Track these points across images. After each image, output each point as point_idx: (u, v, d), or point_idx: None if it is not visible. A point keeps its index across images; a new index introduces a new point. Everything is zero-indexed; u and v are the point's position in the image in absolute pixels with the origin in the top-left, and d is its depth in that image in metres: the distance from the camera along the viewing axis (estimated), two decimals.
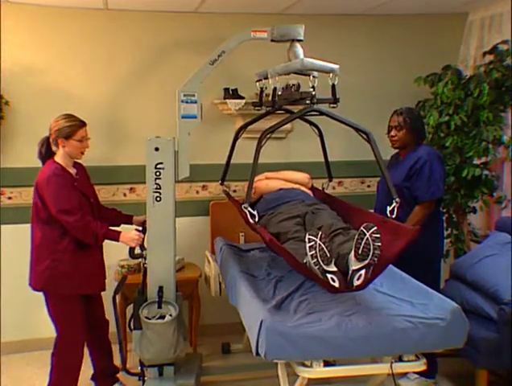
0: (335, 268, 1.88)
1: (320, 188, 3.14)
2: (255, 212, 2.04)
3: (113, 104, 3.27)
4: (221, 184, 3.01)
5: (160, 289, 2.41)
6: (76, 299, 2.45)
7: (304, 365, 1.84)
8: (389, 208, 2.07)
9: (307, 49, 3.47)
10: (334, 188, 3.67)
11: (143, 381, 2.53)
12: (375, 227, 1.90)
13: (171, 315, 2.35)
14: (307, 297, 2.14)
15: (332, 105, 2.38)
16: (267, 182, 2.99)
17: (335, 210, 2.59)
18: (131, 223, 2.63)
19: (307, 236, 1.90)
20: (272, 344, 1.77)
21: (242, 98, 3.30)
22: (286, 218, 2.43)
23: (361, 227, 1.91)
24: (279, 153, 3.58)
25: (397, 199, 2.07)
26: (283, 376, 2.16)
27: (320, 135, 2.79)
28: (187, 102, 2.42)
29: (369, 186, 3.72)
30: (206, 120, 3.41)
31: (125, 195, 3.35)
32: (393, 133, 2.75)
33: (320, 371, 1.82)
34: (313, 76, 2.31)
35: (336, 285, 1.85)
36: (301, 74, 2.46)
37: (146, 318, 2.34)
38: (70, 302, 2.43)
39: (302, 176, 3.11)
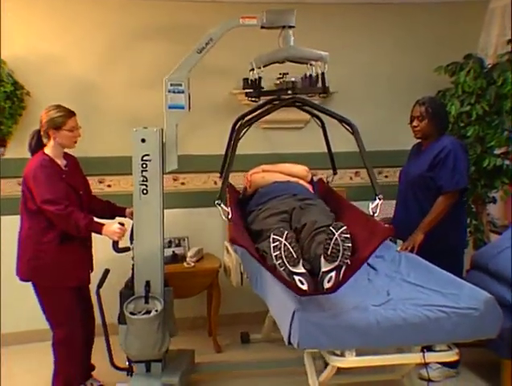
0: (303, 270, 1.80)
1: (328, 181, 3.07)
2: (228, 209, 1.95)
3: (131, 92, 3.24)
4: (221, 177, 2.89)
5: (147, 283, 2.37)
6: (64, 291, 2.40)
7: (335, 354, 1.84)
8: (371, 205, 1.96)
9: (324, 38, 3.47)
10: (351, 179, 3.67)
11: (132, 376, 2.49)
12: (344, 227, 1.82)
13: (156, 311, 2.31)
14: None
15: (322, 95, 2.33)
16: (263, 175, 2.85)
17: (332, 205, 2.47)
18: (125, 216, 2.58)
19: (272, 236, 1.83)
20: (305, 334, 1.76)
21: (262, 88, 3.27)
22: (271, 214, 2.32)
23: (330, 227, 1.84)
24: (297, 143, 3.56)
25: (380, 196, 1.96)
26: (310, 366, 2.18)
27: (323, 127, 2.68)
28: (174, 92, 2.33)
29: (386, 176, 3.70)
30: (224, 110, 3.41)
31: None
32: (415, 123, 2.73)
33: (352, 360, 1.82)
34: (310, 64, 2.25)
35: (305, 287, 1.78)
36: (298, 62, 2.36)
37: (131, 313, 2.30)
38: (59, 294, 2.40)
39: (300, 169, 2.96)
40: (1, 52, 2.94)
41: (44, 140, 2.41)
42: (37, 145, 2.42)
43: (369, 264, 2.43)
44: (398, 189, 2.87)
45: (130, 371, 2.46)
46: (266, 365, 2.86)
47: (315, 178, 3.17)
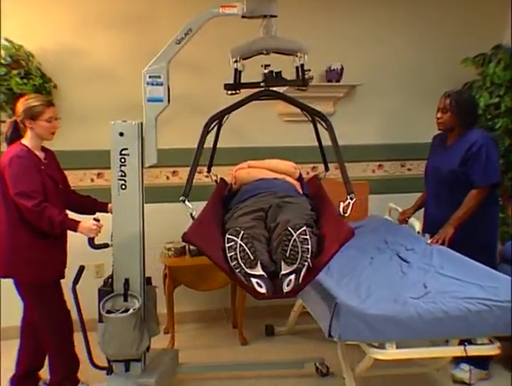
0: (260, 272, 1.73)
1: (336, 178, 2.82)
2: (191, 205, 1.84)
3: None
4: (208, 172, 2.75)
5: (126, 281, 2.28)
6: (45, 286, 2.33)
7: (374, 347, 1.84)
8: (342, 204, 1.84)
9: (347, 30, 3.44)
10: (374, 171, 3.65)
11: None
12: (303, 228, 1.75)
13: (134, 309, 2.23)
14: (364, 279, 2.13)
15: (301, 88, 2.21)
16: (249, 171, 2.70)
17: (320, 204, 2.37)
18: (106, 211, 2.48)
19: (226, 236, 1.76)
20: (347, 326, 1.77)
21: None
22: (246, 212, 2.19)
23: (288, 227, 1.76)
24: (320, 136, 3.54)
25: (351, 196, 1.83)
26: (344, 358, 2.19)
27: (313, 122, 2.54)
28: (152, 84, 2.23)
29: (409, 169, 3.68)
30: (250, 103, 3.39)
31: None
32: (438, 115, 2.68)
33: (393, 352, 1.81)
34: (299, 56, 2.15)
35: (263, 290, 1.70)
36: (280, 53, 2.24)
37: (109, 311, 2.22)
38: (39, 290, 2.32)
39: (287, 165, 2.78)
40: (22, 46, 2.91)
41: (22, 131, 2.31)
42: (14, 136, 2.32)
43: (400, 257, 2.43)
44: (427, 184, 2.82)
45: (109, 370, 2.36)
46: (253, 367, 2.80)
47: (310, 176, 3.04)
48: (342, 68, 3.36)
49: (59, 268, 2.41)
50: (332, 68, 3.36)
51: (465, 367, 2.59)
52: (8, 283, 2.40)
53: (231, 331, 3.30)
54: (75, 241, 2.42)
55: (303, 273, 1.72)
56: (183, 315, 3.27)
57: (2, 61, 2.83)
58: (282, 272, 1.73)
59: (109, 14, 3.12)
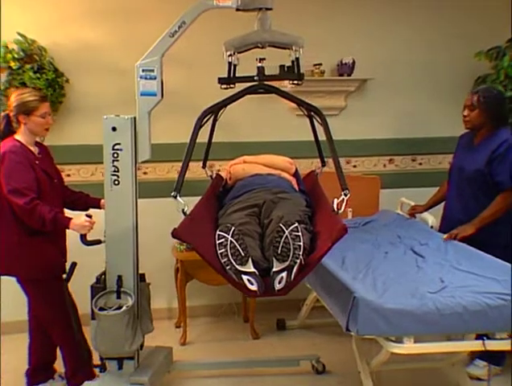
0: (252, 269, 1.70)
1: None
2: (183, 201, 1.80)
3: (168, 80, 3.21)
4: (203, 167, 2.71)
5: (119, 278, 2.26)
6: (45, 281, 2.29)
7: (392, 341, 1.84)
8: (336, 201, 1.80)
9: (359, 24, 3.41)
10: (385, 166, 3.64)
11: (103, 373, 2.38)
12: (295, 225, 1.72)
13: (127, 306, 2.21)
14: (379, 273, 2.12)
15: (296, 82, 2.17)
16: (244, 167, 2.64)
17: (315, 200, 2.31)
18: (99, 208, 2.44)
19: (217, 232, 1.73)
20: (366, 320, 1.76)
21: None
22: (239, 208, 2.16)
23: (280, 224, 1.73)
24: (331, 130, 3.53)
25: (346, 192, 1.79)
26: (359, 352, 2.19)
27: (309, 117, 2.46)
28: (146, 78, 2.20)
29: (420, 163, 3.67)
30: (260, 97, 3.37)
31: None
32: (465, 112, 2.57)
33: (410, 347, 1.81)
34: (294, 50, 2.10)
35: (254, 288, 1.68)
36: (275, 47, 2.19)
37: (102, 308, 2.20)
38: (39, 284, 2.29)
39: (282, 160, 2.72)
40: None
41: (15, 125, 2.24)
42: (6, 131, 2.26)
43: (414, 252, 2.42)
44: (450, 184, 2.74)
45: (102, 368, 2.34)
46: (245, 364, 2.76)
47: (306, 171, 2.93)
48: (354, 62, 3.35)
49: (57, 262, 2.35)
50: (344, 62, 3.35)
51: (480, 363, 2.58)
52: (10, 277, 2.37)
53: (242, 325, 3.31)
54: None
55: (295, 271, 1.69)
56: (194, 309, 3.28)
57: (16, 56, 2.83)
58: (274, 269, 1.71)
59: (122, 7, 3.11)
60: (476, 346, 1.85)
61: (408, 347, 1.82)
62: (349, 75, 3.36)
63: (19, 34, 2.88)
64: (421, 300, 1.83)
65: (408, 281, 2.04)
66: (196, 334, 3.19)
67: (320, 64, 3.32)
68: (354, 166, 3.57)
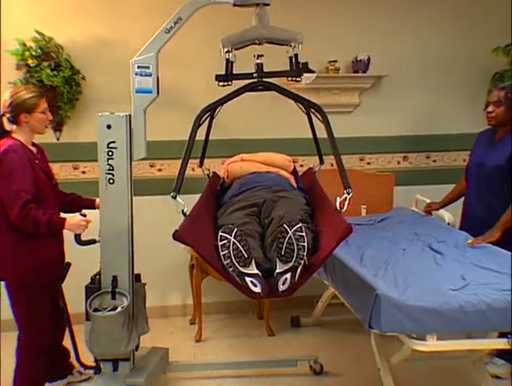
0: (255, 271, 1.67)
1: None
2: (182, 202, 1.76)
3: (182, 78, 3.21)
4: (200, 166, 2.67)
5: (114, 278, 2.21)
6: (34, 289, 2.19)
7: (414, 338, 1.83)
8: (339, 199, 1.77)
9: (374, 19, 3.39)
10: (399, 163, 3.63)
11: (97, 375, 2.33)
12: (299, 225, 1.68)
13: (123, 307, 2.16)
14: (399, 270, 2.11)
15: (295, 78, 2.13)
16: (241, 165, 2.60)
17: (315, 199, 2.27)
18: (94, 208, 2.38)
19: (219, 233, 1.71)
20: (389, 317, 1.76)
21: (313, 72, 3.22)
22: (239, 207, 2.11)
23: (283, 224, 1.70)
24: (345, 128, 3.50)
25: (348, 190, 1.75)
26: (379, 349, 2.19)
27: (308, 114, 2.42)
28: (141, 75, 2.16)
29: (434, 160, 3.65)
30: (273, 94, 3.37)
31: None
32: (490, 108, 2.54)
33: (433, 344, 1.80)
34: (293, 46, 2.05)
35: (258, 290, 1.65)
36: (274, 43, 2.15)
37: (97, 309, 2.16)
38: (28, 293, 2.19)
39: (281, 158, 2.68)
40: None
41: (7, 126, 2.16)
42: (0, 132, 2.18)
43: (432, 249, 2.41)
44: (468, 182, 2.71)
45: (97, 369, 2.30)
46: (245, 365, 2.73)
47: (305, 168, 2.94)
48: (369, 59, 3.33)
49: (51, 266, 2.24)
50: (359, 59, 3.34)
51: (498, 361, 2.57)
52: None
53: (257, 323, 3.31)
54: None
55: (299, 271, 1.67)
56: (208, 306, 3.28)
57: (33, 53, 2.84)
58: (278, 270, 1.68)
59: (138, 4, 3.11)
60: (500, 344, 1.84)
61: (432, 345, 1.81)
62: (364, 72, 3.34)
63: (37, 31, 2.89)
64: (443, 297, 1.82)
65: (428, 278, 2.03)
66: (211, 330, 3.20)
67: (335, 61, 3.31)
68: (368, 164, 3.55)
